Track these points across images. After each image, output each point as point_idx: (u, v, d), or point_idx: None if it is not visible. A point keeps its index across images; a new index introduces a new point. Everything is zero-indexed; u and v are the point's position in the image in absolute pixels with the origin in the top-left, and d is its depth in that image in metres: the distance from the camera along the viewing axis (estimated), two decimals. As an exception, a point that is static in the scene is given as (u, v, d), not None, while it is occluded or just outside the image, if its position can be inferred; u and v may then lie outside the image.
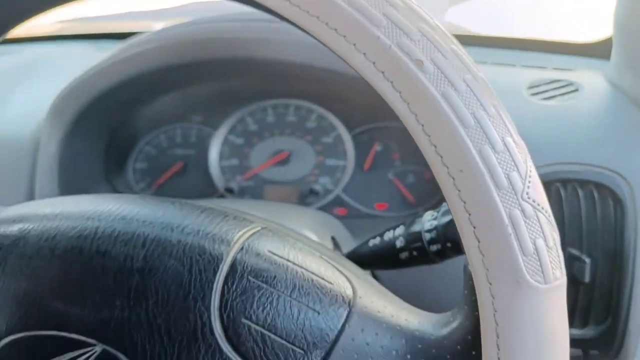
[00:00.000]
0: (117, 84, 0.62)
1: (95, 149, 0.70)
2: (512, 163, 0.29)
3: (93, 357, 0.32)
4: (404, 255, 0.43)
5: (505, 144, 0.29)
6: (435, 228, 0.42)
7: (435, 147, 0.29)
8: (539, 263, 0.28)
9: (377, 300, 0.33)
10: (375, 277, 0.58)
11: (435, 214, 0.43)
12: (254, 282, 0.32)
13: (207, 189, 0.74)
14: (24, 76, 0.81)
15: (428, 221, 0.43)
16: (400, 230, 0.44)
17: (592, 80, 0.62)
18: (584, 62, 0.68)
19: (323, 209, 0.70)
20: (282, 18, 0.32)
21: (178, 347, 0.31)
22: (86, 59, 0.83)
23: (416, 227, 0.43)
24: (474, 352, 0.30)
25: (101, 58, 0.64)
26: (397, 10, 0.30)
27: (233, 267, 0.32)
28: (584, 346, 0.54)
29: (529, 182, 0.29)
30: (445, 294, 0.53)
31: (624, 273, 0.51)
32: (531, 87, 0.61)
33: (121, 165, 0.75)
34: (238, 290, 0.31)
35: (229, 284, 0.31)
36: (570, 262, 0.52)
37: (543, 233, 0.29)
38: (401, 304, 0.35)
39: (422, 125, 0.30)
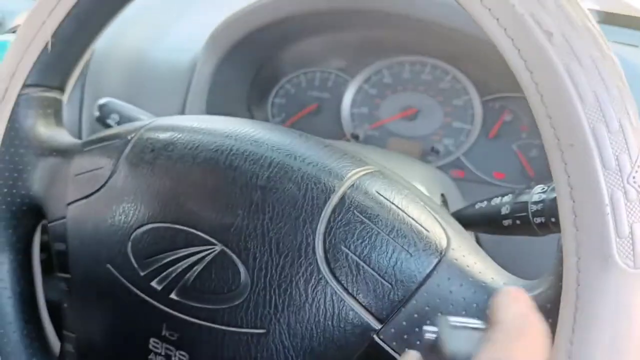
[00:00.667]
0: (269, 23, 0.67)
1: (242, 79, 0.76)
2: (625, 145, 0.29)
3: (212, 254, 0.37)
4: (507, 222, 0.44)
5: (621, 126, 0.29)
6: (543, 201, 0.42)
7: (551, 118, 0.30)
8: (631, 247, 0.29)
9: (468, 255, 0.36)
10: (477, 241, 0.59)
11: (545, 187, 0.43)
12: (358, 216, 0.35)
13: (337, 132, 0.78)
14: (187, 5, 0.89)
15: (537, 193, 0.43)
16: (508, 198, 0.45)
17: None
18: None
19: (442, 168, 0.71)
20: None
21: (283, 259, 0.35)
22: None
23: (524, 198, 0.44)
24: (550, 320, 0.32)
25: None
26: (537, -19, 0.31)
27: (342, 199, 0.36)
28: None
29: (639, 166, 0.29)
30: (541, 266, 0.53)
31: None
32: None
33: (262, 98, 0.81)
34: (343, 220, 0.35)
35: (336, 213, 0.35)
36: None
37: (643, 219, 0.29)
38: (491, 264, 0.36)
39: (542, 95, 0.31)
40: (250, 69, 0.76)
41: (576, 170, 0.30)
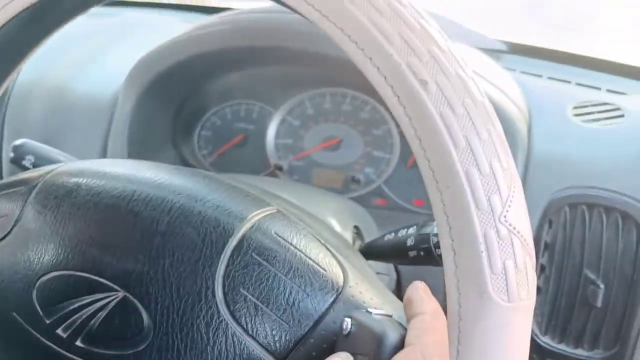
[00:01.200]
0: (189, 58, 0.67)
1: (165, 114, 0.76)
2: (495, 186, 0.31)
3: (115, 300, 0.37)
4: (412, 253, 0.46)
5: (491, 168, 0.31)
6: (439, 234, 0.44)
7: (429, 161, 0.32)
8: (505, 282, 0.30)
9: (366, 291, 0.37)
10: (396, 269, 0.61)
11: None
12: (256, 258, 0.36)
13: (262, 163, 0.79)
14: (114, 39, 0.89)
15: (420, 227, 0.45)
16: (412, 230, 0.47)
17: (640, 108, 0.61)
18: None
19: (364, 197, 0.73)
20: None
21: (184, 303, 0.36)
22: (169, 30, 0.90)
23: (427, 229, 0.46)
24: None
25: (183, 30, 0.70)
26: (412, 31, 0.33)
27: (241, 242, 0.36)
28: (591, 369, 0.54)
29: (509, 206, 0.31)
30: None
31: (638, 302, 0.51)
32: (577, 107, 0.61)
33: (188, 132, 0.81)
34: (241, 263, 0.36)
35: (234, 256, 0.36)
36: (585, 284, 0.53)
37: (514, 255, 0.31)
38: (389, 298, 0.38)
39: (420, 140, 0.32)
40: (172, 103, 0.76)
41: (453, 211, 0.31)
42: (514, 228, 0.31)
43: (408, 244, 0.47)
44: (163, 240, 0.37)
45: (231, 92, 0.79)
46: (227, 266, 0.36)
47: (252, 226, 0.37)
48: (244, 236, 0.37)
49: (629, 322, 0.52)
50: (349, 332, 0.34)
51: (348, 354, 0.33)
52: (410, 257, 0.47)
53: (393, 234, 0.49)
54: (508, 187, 0.32)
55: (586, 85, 0.65)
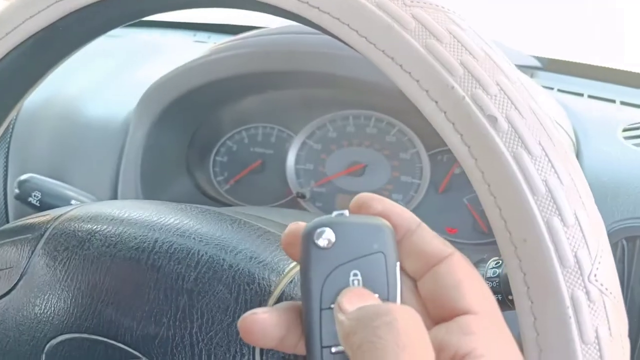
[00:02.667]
0: (204, 84, 0.64)
1: (179, 141, 0.72)
2: (583, 239, 0.27)
3: (136, 369, 0.33)
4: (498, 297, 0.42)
5: (577, 218, 0.27)
6: (498, 276, 0.40)
7: (500, 209, 0.28)
8: (599, 353, 0.26)
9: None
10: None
11: (499, 260, 0.41)
12: (298, 318, 0.31)
13: (282, 190, 0.74)
14: (125, 62, 0.85)
15: (491, 268, 0.41)
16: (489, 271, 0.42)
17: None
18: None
19: (393, 225, 0.68)
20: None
21: (216, 374, 0.31)
22: (182, 49, 0.86)
23: (480, 271, 0.41)
24: None
25: (198, 53, 0.66)
26: (476, 59, 0.29)
27: (279, 300, 0.32)
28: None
29: (599, 262, 0.27)
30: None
31: None
32: (627, 129, 0.56)
33: (202, 158, 0.77)
34: None
35: None
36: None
37: (607, 320, 0.26)
38: None
39: (489, 185, 0.28)
40: (186, 130, 0.72)
41: (532, 268, 0.27)
42: (606, 288, 0.27)
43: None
44: (190, 300, 0.32)
45: (248, 116, 0.75)
46: None
47: (291, 281, 0.33)
48: (282, 293, 0.32)
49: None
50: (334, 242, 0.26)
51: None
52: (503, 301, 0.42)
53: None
54: (596, 239, 0.27)
55: (633, 105, 0.61)
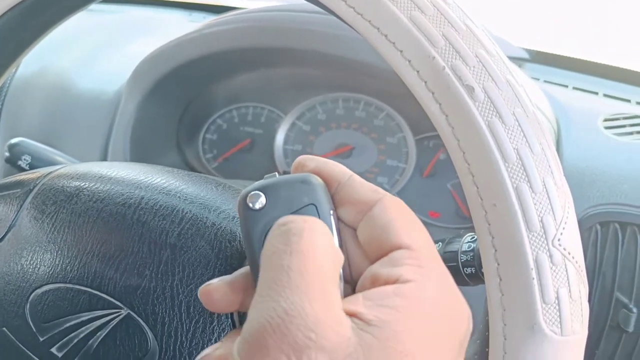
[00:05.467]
0: (196, 58, 0.64)
1: (169, 116, 0.73)
2: (549, 206, 0.28)
3: (118, 319, 0.34)
4: (468, 270, 0.43)
5: (545, 185, 0.28)
6: (472, 250, 0.41)
7: (473, 176, 0.29)
8: (558, 313, 0.27)
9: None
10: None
11: (475, 236, 0.42)
12: (275, 276, 0.33)
13: (269, 169, 0.75)
14: (119, 36, 0.85)
15: (466, 242, 0.42)
16: (437, 246, 0.44)
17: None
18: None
19: (376, 208, 0.70)
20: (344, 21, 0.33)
21: (194, 325, 0.32)
22: (177, 28, 0.86)
23: (454, 247, 0.42)
24: (477, 389, 0.30)
25: (191, 29, 0.67)
26: (458, 32, 0.30)
27: None
28: (619, 397, 0.51)
29: (564, 228, 0.28)
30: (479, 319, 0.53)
31: (673, 329, 0.48)
32: (608, 119, 0.58)
33: (192, 134, 0.78)
34: None
35: None
36: (616, 308, 0.50)
37: (569, 283, 0.28)
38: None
39: (464, 153, 0.29)
40: (177, 105, 0.73)
41: (500, 232, 0.28)
42: (569, 253, 0.28)
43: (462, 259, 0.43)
44: (173, 253, 0.33)
45: (239, 95, 0.75)
46: None
47: None
48: None
49: (664, 349, 0.49)
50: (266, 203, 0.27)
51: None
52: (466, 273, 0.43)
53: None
54: (562, 206, 0.28)
55: (615, 97, 0.63)
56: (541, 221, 0.28)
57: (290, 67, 0.68)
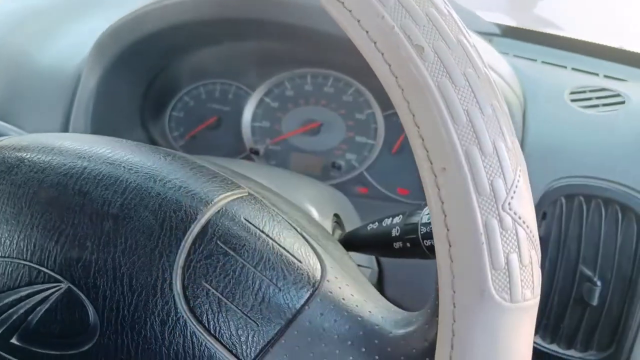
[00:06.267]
0: (158, 31, 0.62)
1: (133, 91, 0.71)
2: (499, 169, 0.27)
3: (58, 293, 0.32)
4: (397, 244, 0.42)
5: (495, 148, 0.27)
6: (432, 222, 0.40)
7: (423, 139, 0.28)
8: (508, 279, 0.26)
9: (345, 286, 0.33)
10: (378, 262, 0.57)
11: None
12: (221, 247, 0.31)
13: (237, 146, 0.74)
14: (79, 10, 0.83)
15: (426, 214, 0.41)
16: (398, 219, 0.43)
17: (644, 95, 0.57)
18: (644, 74, 0.63)
19: (345, 184, 0.69)
20: None
21: (137, 298, 0.31)
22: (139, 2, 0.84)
23: (414, 219, 0.41)
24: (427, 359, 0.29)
25: (152, 1, 0.65)
26: (408, -11, 0.29)
27: (204, 229, 0.32)
28: (583, 371, 0.51)
29: (514, 192, 0.27)
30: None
31: (636, 300, 0.48)
32: (574, 92, 0.57)
33: (158, 112, 0.76)
34: (204, 252, 0.31)
35: (197, 245, 0.31)
36: (581, 281, 0.50)
37: (519, 248, 0.27)
38: (371, 295, 0.33)
39: (413, 115, 0.28)
40: (141, 79, 0.71)
41: (449, 196, 0.27)
42: (519, 217, 0.27)
43: (393, 235, 0.42)
44: (115, 224, 0.32)
45: (205, 70, 0.73)
46: (188, 256, 0.31)
47: (219, 211, 0.33)
48: (208, 222, 0.32)
49: (626, 322, 0.48)
50: None
51: None
52: (395, 248, 0.43)
53: (377, 224, 0.45)
54: (513, 170, 0.27)
55: (583, 71, 0.62)
56: (491, 185, 0.27)
57: (255, 40, 0.67)
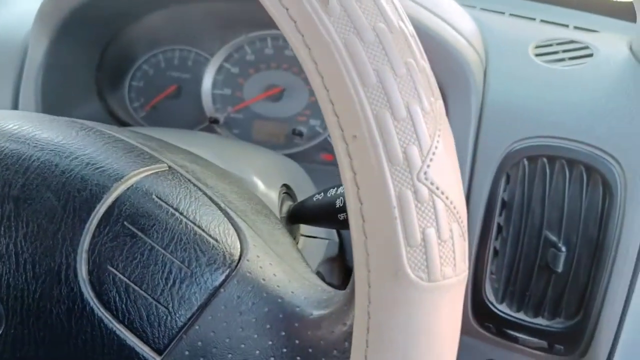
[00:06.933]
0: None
1: (84, 61, 0.68)
2: (414, 135, 0.24)
3: (-43, 282, 0.30)
4: (342, 216, 0.40)
5: (409, 112, 0.24)
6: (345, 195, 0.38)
7: (333, 104, 0.25)
8: (424, 257, 0.24)
9: (268, 265, 0.30)
10: (339, 233, 0.55)
11: None
12: (128, 228, 0.29)
13: (198, 115, 0.71)
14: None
15: None
16: (342, 189, 0.40)
17: (613, 46, 0.53)
18: (616, 25, 0.59)
19: (308, 152, 0.66)
20: None
21: (40, 286, 0.29)
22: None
23: (336, 192, 0.39)
24: (346, 344, 0.27)
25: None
26: None
27: (111, 208, 0.29)
28: (550, 339, 0.49)
29: (431, 159, 0.24)
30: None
31: (602, 267, 0.46)
32: (539, 46, 0.53)
33: (116, 82, 0.73)
34: (110, 235, 0.29)
35: (102, 227, 0.29)
36: (545, 247, 0.47)
37: (437, 222, 0.24)
38: (298, 274, 0.31)
39: (322, 77, 0.25)
40: (93, 47, 0.67)
41: (361, 167, 0.25)
42: (437, 188, 0.25)
43: (337, 205, 0.40)
44: (16, 207, 0.30)
45: (160, 37, 0.70)
46: (93, 238, 0.29)
47: (129, 188, 0.30)
48: (115, 201, 0.30)
49: (593, 289, 0.46)
50: None
51: None
52: (340, 220, 0.40)
53: (322, 194, 0.42)
54: (430, 135, 0.25)
55: (552, 23, 0.58)
56: (404, 152, 0.24)
57: (206, 2, 0.63)
